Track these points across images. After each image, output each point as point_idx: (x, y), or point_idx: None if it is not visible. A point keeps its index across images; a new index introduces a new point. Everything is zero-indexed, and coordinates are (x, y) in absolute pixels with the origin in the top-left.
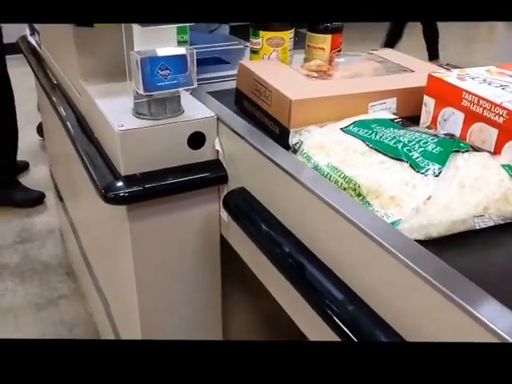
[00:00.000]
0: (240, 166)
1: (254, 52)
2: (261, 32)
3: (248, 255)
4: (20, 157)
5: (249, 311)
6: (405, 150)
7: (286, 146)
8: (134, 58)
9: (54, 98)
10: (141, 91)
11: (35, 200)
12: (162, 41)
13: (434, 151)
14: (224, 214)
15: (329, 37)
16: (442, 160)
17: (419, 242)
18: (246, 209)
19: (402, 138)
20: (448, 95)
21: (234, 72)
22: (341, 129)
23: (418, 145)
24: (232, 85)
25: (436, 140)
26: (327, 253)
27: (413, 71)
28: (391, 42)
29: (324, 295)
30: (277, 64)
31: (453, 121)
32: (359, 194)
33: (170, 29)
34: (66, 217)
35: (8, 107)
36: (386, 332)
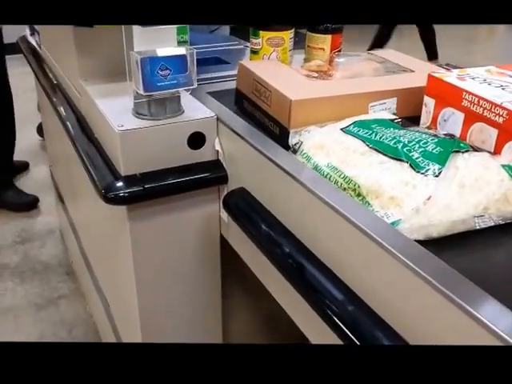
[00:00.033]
0: (240, 166)
1: (254, 52)
2: (261, 32)
3: (248, 255)
4: (20, 157)
5: (249, 311)
6: (405, 150)
7: (286, 147)
8: (134, 58)
9: (54, 98)
10: (141, 91)
11: (30, 204)
12: (162, 41)
13: (434, 151)
14: (224, 215)
15: (329, 37)
16: (442, 160)
17: (419, 242)
18: (246, 209)
19: (402, 139)
20: (448, 95)
21: (234, 72)
22: (341, 129)
23: (418, 145)
24: (232, 85)
25: (436, 140)
26: (327, 253)
27: (413, 71)
28: (380, 43)
29: (324, 295)
30: (277, 64)
31: (453, 121)
32: (359, 194)
33: (170, 29)
34: (66, 217)
35: (7, 107)
36: (386, 332)
